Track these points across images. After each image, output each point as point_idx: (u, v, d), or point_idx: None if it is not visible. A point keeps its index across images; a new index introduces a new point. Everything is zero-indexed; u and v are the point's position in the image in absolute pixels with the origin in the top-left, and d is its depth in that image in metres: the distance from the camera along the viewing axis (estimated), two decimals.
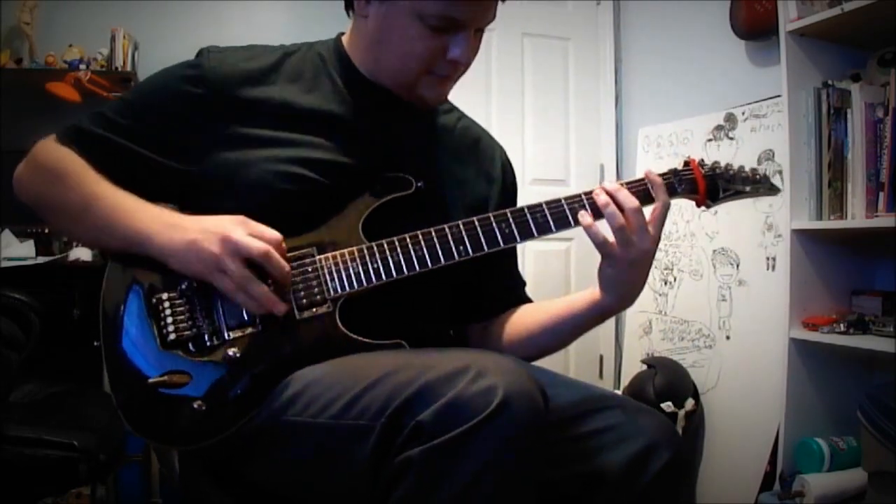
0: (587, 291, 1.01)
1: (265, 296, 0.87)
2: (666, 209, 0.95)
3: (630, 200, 0.93)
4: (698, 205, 1.03)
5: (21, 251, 2.32)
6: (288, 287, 0.90)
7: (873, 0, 1.64)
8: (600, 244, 0.93)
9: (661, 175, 0.99)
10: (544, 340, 1.07)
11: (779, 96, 1.99)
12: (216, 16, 3.00)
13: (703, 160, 1.03)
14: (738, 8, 2.39)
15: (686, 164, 1.02)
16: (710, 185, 1.01)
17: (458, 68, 0.99)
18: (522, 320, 1.09)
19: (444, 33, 0.94)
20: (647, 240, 0.93)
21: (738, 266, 2.32)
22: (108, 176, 0.96)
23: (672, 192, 0.99)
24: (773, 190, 1.06)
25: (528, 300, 1.16)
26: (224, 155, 0.95)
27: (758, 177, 1.04)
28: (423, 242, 0.93)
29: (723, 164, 1.03)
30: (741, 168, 1.04)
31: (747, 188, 1.03)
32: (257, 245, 0.86)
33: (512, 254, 1.16)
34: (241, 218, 0.89)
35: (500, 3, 0.98)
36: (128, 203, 0.93)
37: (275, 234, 0.89)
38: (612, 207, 0.92)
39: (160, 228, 0.90)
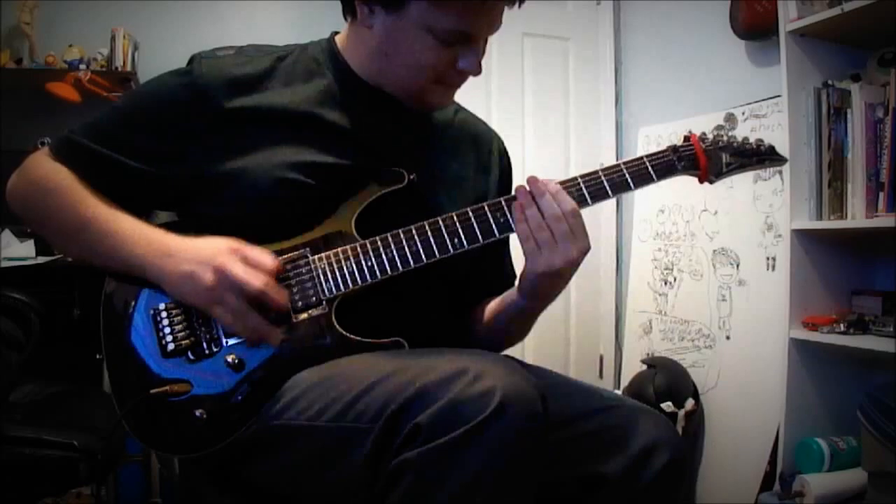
0: (513, 292, 1.01)
1: (262, 327, 0.88)
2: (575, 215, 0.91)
3: (551, 207, 0.90)
4: (700, 181, 1.00)
5: (21, 251, 2.32)
6: (286, 311, 0.89)
7: (873, 0, 1.64)
8: (524, 239, 0.91)
9: (660, 153, 0.98)
10: (493, 336, 1.08)
11: (779, 96, 1.99)
12: (216, 16, 3.00)
13: (704, 134, 1.00)
14: (738, 8, 2.39)
15: (686, 139, 1.00)
16: (711, 160, 0.99)
17: (466, 77, 1.00)
18: (484, 313, 1.10)
19: (454, 45, 0.94)
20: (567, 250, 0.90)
21: (738, 266, 2.31)
22: (102, 191, 0.95)
23: (671, 170, 0.97)
24: (779, 160, 1.03)
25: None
26: (218, 162, 0.94)
27: (762, 148, 1.02)
28: (416, 237, 0.93)
29: (725, 137, 1.01)
30: (745, 139, 1.01)
31: (752, 160, 1.01)
32: (254, 282, 0.85)
33: (503, 246, 1.14)
34: (234, 245, 0.88)
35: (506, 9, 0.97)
36: (121, 227, 0.93)
37: (270, 262, 0.88)
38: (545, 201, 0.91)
39: (155, 259, 0.90)
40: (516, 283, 1.00)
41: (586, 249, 0.91)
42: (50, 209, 0.96)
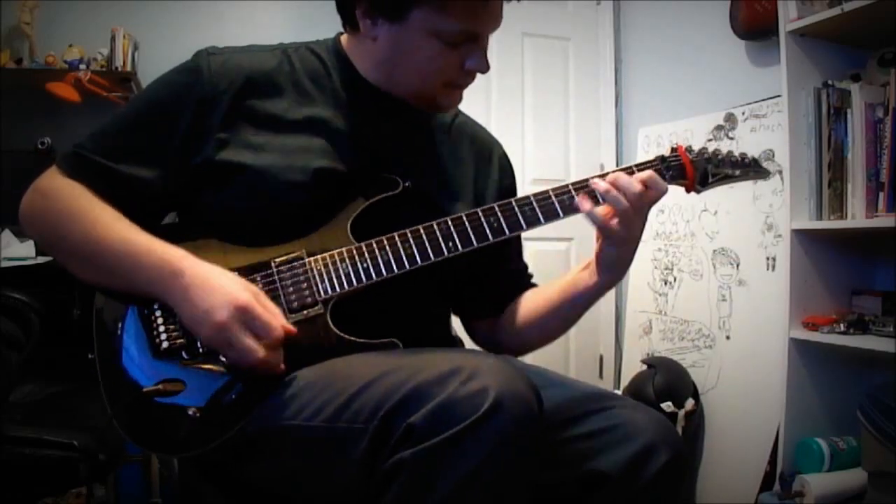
0: (584, 274, 1.02)
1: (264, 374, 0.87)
2: (662, 195, 0.96)
3: (632, 186, 0.93)
4: (687, 190, 1.03)
5: (21, 251, 2.32)
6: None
7: (873, 0, 1.64)
8: (603, 227, 0.94)
9: (649, 162, 0.99)
10: (550, 326, 1.08)
11: (779, 96, 1.99)
12: (216, 16, 3.00)
13: (690, 146, 1.02)
14: (738, 8, 2.39)
15: (673, 150, 1.02)
16: (698, 171, 1.01)
17: (474, 76, 1.00)
18: (525, 309, 1.10)
19: (460, 46, 0.95)
20: (644, 218, 0.95)
21: (738, 266, 2.31)
22: (115, 202, 0.93)
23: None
24: (762, 173, 1.05)
25: (534, 286, 1.16)
26: (224, 154, 0.94)
27: (746, 160, 1.04)
28: (411, 240, 0.93)
29: (710, 149, 1.03)
30: (730, 153, 1.03)
31: (737, 172, 1.03)
32: (252, 358, 0.83)
33: (516, 247, 1.17)
34: (242, 302, 0.84)
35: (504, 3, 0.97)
36: (136, 249, 0.89)
37: (275, 331, 0.85)
38: (615, 192, 0.93)
39: (168, 293, 0.87)
40: (592, 263, 1.00)
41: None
42: (62, 233, 0.93)
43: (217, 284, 0.86)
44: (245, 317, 0.84)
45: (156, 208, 0.98)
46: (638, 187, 0.93)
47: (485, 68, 0.98)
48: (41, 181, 0.96)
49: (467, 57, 0.96)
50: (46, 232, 0.96)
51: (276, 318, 0.86)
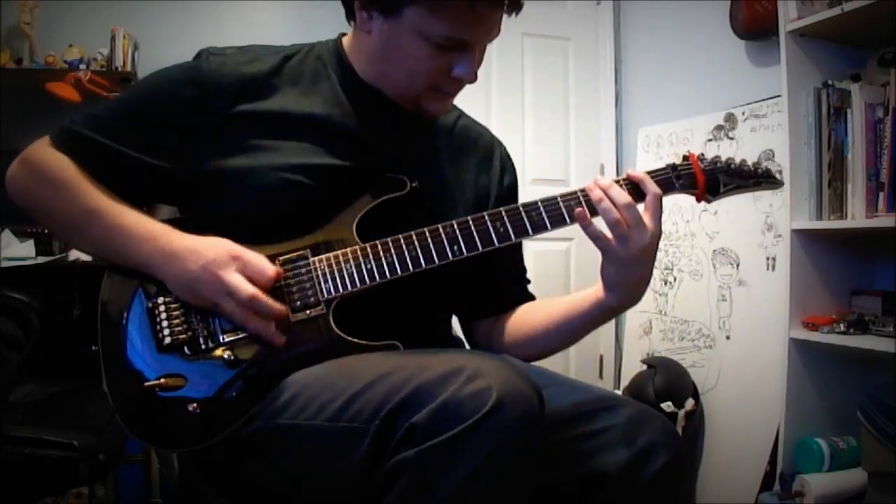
0: (591, 291, 1.00)
1: (262, 331, 0.88)
2: (658, 201, 0.92)
3: (621, 196, 0.91)
4: (698, 200, 1.01)
5: (21, 251, 2.32)
6: (283, 317, 0.90)
7: (873, 0, 1.64)
8: (597, 239, 0.92)
9: (660, 170, 0.98)
10: (549, 341, 1.06)
11: (779, 96, 1.99)
12: (216, 16, 3.00)
13: (702, 154, 1.01)
14: (738, 8, 2.39)
15: (685, 158, 1.00)
16: (709, 180, 0.99)
17: (462, 84, 1.00)
18: (527, 320, 1.09)
19: (449, 52, 0.94)
20: (645, 235, 0.90)
21: (738, 266, 2.32)
22: (103, 181, 0.95)
23: (669, 187, 0.97)
24: (775, 184, 1.04)
25: (532, 297, 1.16)
26: (221, 160, 0.94)
27: (759, 171, 1.02)
28: (416, 243, 0.93)
29: (723, 158, 1.01)
30: (742, 162, 1.02)
31: (749, 182, 1.02)
32: (245, 291, 0.86)
33: (517, 249, 1.16)
34: (234, 253, 0.88)
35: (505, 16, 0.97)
36: (126, 222, 0.93)
37: (268, 272, 0.88)
38: (607, 202, 0.91)
39: (157, 260, 0.90)
40: (600, 283, 0.97)
41: (658, 234, 0.92)
42: (54, 201, 0.96)
43: (204, 247, 0.89)
44: (238, 262, 0.88)
45: (142, 192, 0.99)
46: (628, 198, 0.91)
47: (471, 78, 0.97)
48: (30, 151, 0.99)
49: (456, 63, 0.95)
50: (35, 199, 0.98)
51: (265, 261, 0.90)
